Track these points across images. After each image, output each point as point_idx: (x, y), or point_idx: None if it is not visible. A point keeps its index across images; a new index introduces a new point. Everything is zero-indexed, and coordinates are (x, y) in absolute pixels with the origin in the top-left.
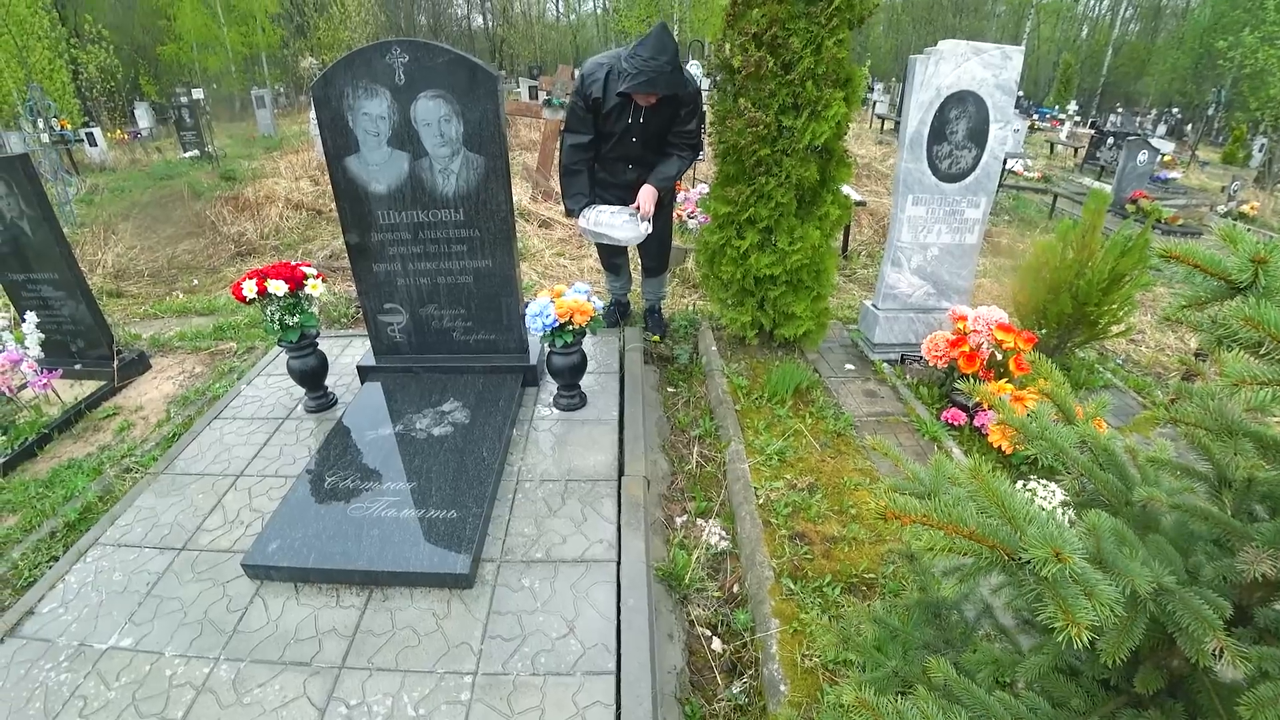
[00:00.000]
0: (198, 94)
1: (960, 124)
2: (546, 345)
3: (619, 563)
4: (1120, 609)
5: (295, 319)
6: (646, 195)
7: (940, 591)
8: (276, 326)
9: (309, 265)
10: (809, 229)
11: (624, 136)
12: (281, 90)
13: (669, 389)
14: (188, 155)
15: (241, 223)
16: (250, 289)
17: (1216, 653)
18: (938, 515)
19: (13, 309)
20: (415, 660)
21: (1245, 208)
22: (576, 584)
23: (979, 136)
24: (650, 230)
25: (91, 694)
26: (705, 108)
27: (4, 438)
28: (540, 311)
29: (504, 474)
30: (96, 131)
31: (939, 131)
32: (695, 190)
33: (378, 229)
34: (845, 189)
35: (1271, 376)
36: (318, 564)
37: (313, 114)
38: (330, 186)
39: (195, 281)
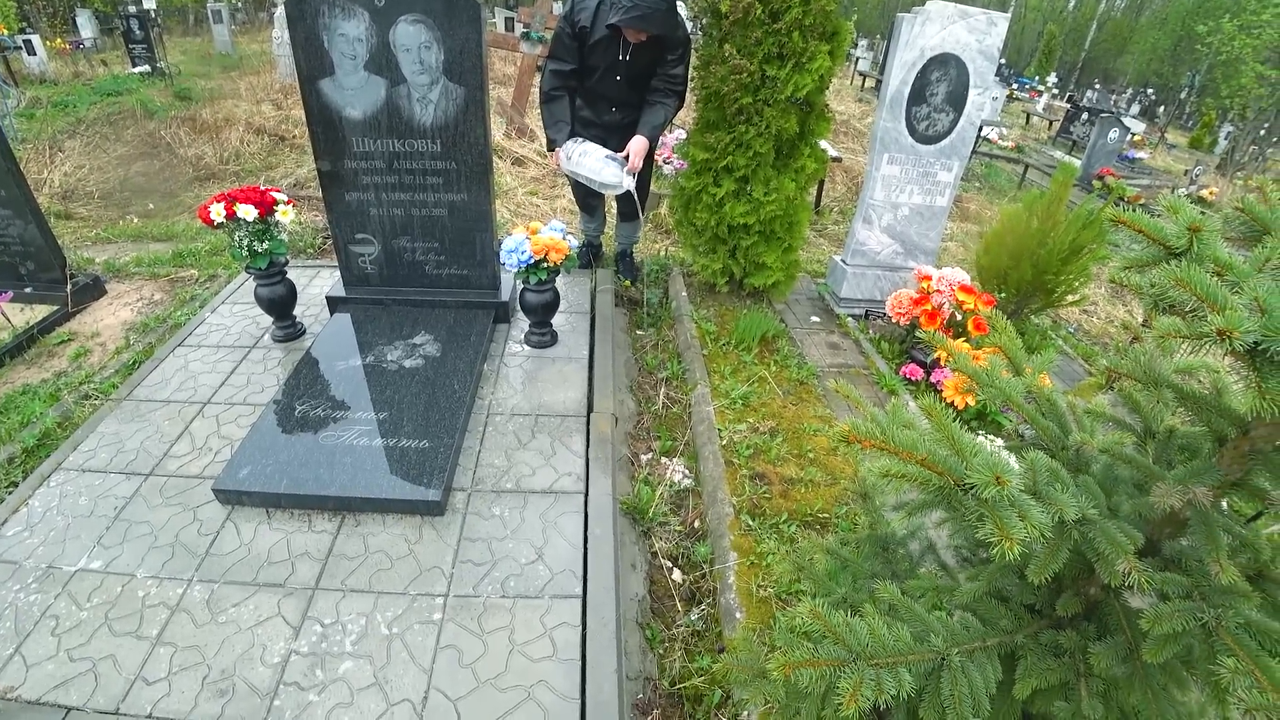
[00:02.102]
0: (149, 3)
1: (941, 86)
2: (520, 282)
3: (586, 494)
4: (1049, 532)
5: (265, 245)
6: (638, 148)
7: (890, 526)
8: (245, 253)
9: (279, 191)
10: (785, 180)
11: (608, 73)
12: (240, 5)
13: (638, 331)
14: (137, 70)
15: (200, 145)
16: (218, 213)
17: (1126, 574)
18: (894, 442)
19: None
20: (388, 582)
21: (1205, 192)
22: (545, 513)
23: (958, 100)
24: (633, 184)
25: (63, 613)
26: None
27: None
28: (516, 248)
29: (475, 407)
30: (35, 39)
31: (919, 93)
32: (673, 135)
33: (351, 156)
34: (822, 144)
35: (1193, 332)
36: (290, 489)
37: (276, 33)
38: (294, 112)
39: (151, 205)
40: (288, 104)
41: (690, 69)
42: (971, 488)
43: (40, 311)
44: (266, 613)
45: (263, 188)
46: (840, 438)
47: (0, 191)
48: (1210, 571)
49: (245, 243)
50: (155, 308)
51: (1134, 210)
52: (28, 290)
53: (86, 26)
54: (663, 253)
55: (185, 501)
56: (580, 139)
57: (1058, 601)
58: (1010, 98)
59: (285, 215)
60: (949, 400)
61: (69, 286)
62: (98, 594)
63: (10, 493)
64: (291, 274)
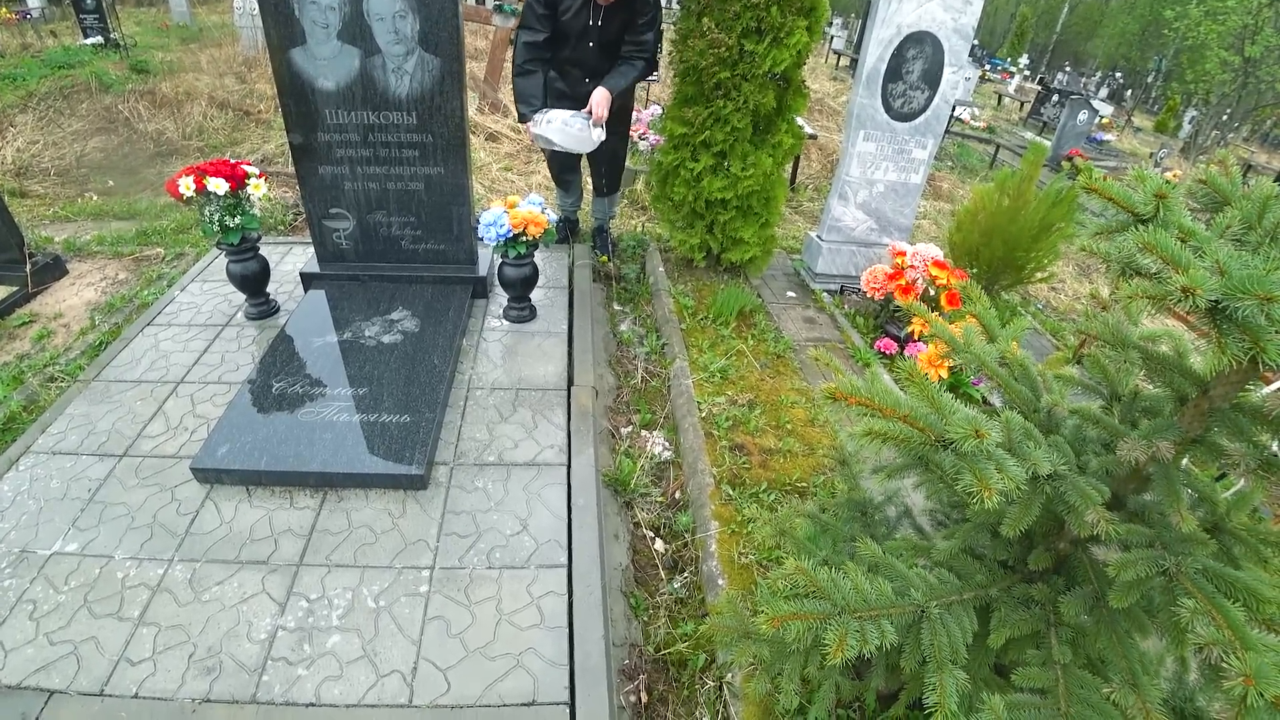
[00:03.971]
0: None
1: (916, 64)
2: (498, 256)
3: (569, 466)
4: (1024, 485)
5: (236, 220)
6: (600, 98)
7: (865, 492)
8: (216, 228)
9: (249, 164)
10: (762, 156)
11: (581, 40)
12: None
13: (615, 306)
14: (89, 42)
15: (160, 120)
16: (187, 186)
17: (1095, 524)
18: (878, 400)
19: None
20: (373, 557)
21: (1169, 175)
22: (529, 485)
23: (933, 79)
24: (604, 137)
25: (40, 597)
26: (667, 25)
27: None
28: (495, 221)
29: (455, 382)
30: None
31: (895, 70)
32: (648, 111)
33: (324, 129)
34: (799, 120)
35: (1159, 291)
36: (270, 466)
37: (238, 3)
38: (258, 86)
39: (111, 183)
40: (251, 77)
41: (661, 35)
42: (951, 443)
43: None
44: (251, 590)
45: (233, 160)
46: (827, 395)
47: None
48: (1172, 522)
49: (216, 217)
50: (120, 287)
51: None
52: None
53: None
54: (639, 228)
55: (162, 482)
56: (547, 109)
57: (1029, 557)
58: (983, 79)
59: (257, 190)
60: (924, 371)
61: (28, 266)
62: (75, 576)
63: None
64: (263, 251)
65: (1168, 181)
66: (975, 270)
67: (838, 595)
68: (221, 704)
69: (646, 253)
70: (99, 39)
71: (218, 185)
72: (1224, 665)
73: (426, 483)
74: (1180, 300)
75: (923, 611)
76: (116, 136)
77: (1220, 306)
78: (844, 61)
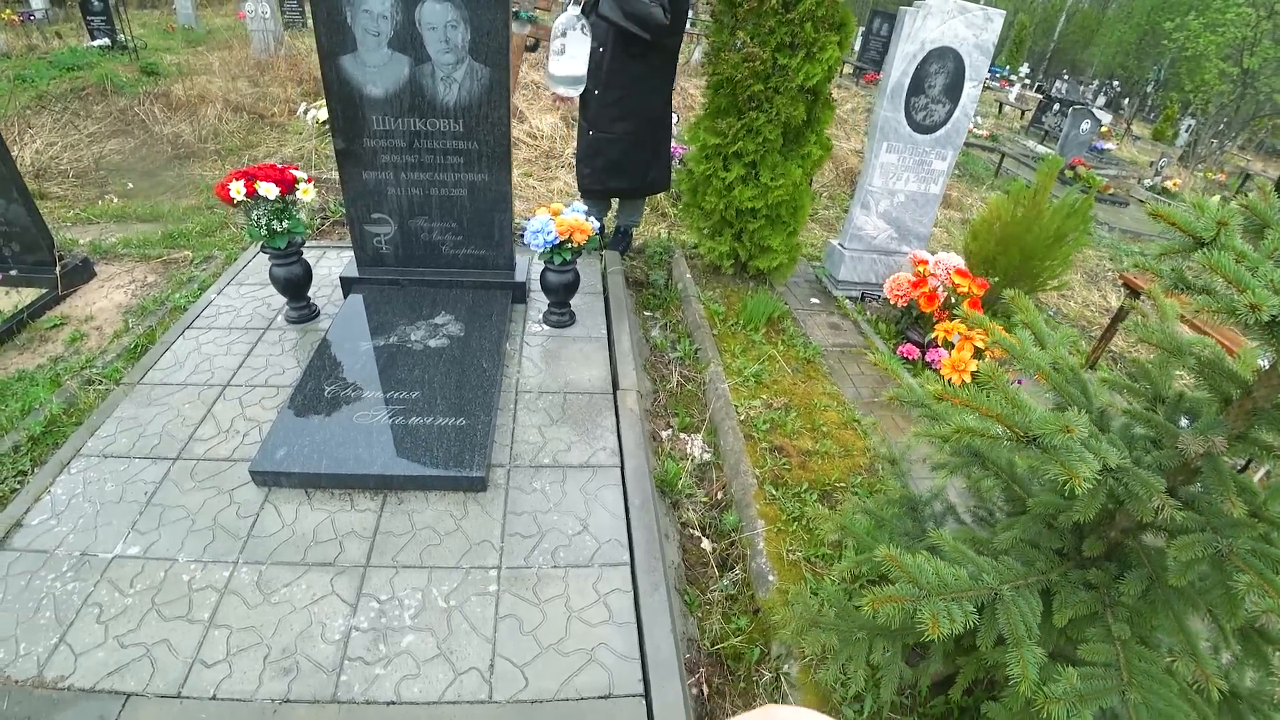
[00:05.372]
0: None
1: (939, 79)
2: (542, 262)
3: (622, 467)
4: (1097, 476)
5: (284, 225)
6: None
7: (936, 480)
8: (264, 232)
9: (297, 169)
10: (791, 166)
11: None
12: None
13: (645, 313)
14: (96, 44)
15: (176, 123)
16: (238, 190)
17: (1159, 509)
18: (976, 399)
19: None
20: (439, 557)
21: (1169, 183)
22: (585, 487)
23: (954, 92)
24: (578, 17)
25: (106, 600)
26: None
27: None
28: (541, 228)
29: (503, 385)
30: None
31: (918, 84)
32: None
33: (370, 135)
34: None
35: (1226, 306)
36: (330, 469)
37: (249, 6)
38: (271, 89)
39: (130, 185)
40: (264, 81)
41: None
42: (1035, 439)
43: (28, 295)
44: (320, 591)
45: (258, 166)
46: (934, 396)
47: None
48: (1223, 509)
49: (264, 221)
50: (150, 290)
51: (1104, 204)
52: (12, 273)
53: None
54: (665, 235)
55: (219, 484)
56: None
57: (1083, 545)
58: (984, 86)
59: (306, 194)
60: (946, 376)
61: (58, 269)
62: (140, 579)
63: (19, 481)
64: None
65: (1227, 209)
66: (992, 278)
67: (923, 579)
68: (303, 704)
69: (672, 259)
70: (106, 40)
71: (268, 189)
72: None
73: (486, 485)
74: (1244, 315)
75: (996, 593)
76: (133, 139)
77: (1277, 321)
78: (847, 69)
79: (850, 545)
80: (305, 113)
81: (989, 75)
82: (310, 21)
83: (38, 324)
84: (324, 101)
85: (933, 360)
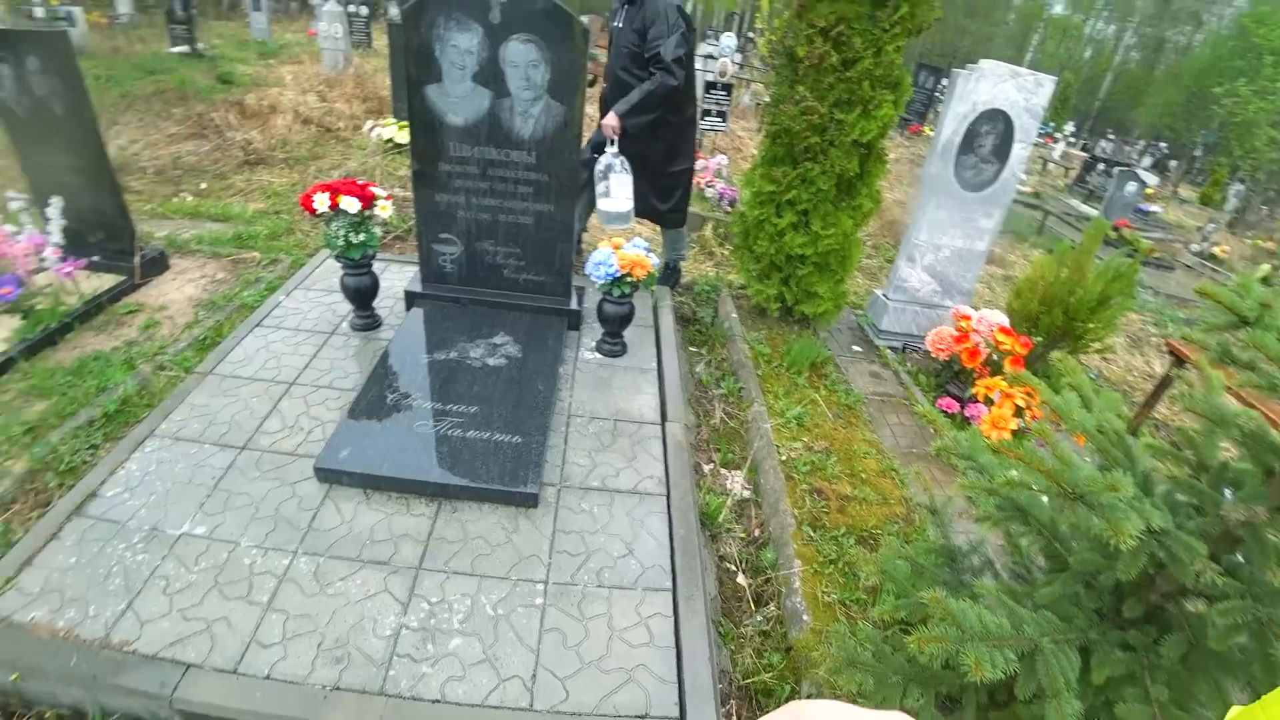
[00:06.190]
0: None
1: (989, 139)
2: (601, 293)
3: (668, 497)
4: (1141, 535)
5: (361, 237)
6: (607, 121)
7: (979, 531)
8: (341, 243)
9: (376, 186)
10: (843, 217)
11: (612, 45)
12: None
13: (691, 348)
14: (176, 50)
15: (248, 131)
16: (322, 203)
17: (1200, 573)
18: (1028, 455)
19: (32, 192)
20: (489, 567)
21: (1216, 250)
22: (632, 512)
23: (1003, 152)
24: (617, 156)
25: (172, 575)
26: (731, 78)
27: (25, 321)
28: (604, 260)
29: (556, 408)
30: (77, 11)
31: (969, 143)
32: (715, 160)
33: (447, 160)
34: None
35: (1263, 382)
36: (391, 473)
37: (323, 25)
38: (337, 105)
39: (204, 185)
40: (331, 96)
41: (688, 60)
42: (1081, 495)
43: (107, 281)
44: (374, 588)
45: (339, 180)
46: (989, 448)
47: (81, 160)
48: (1265, 578)
49: (343, 233)
50: (220, 286)
51: (1150, 268)
52: (95, 259)
53: (124, 2)
54: (712, 274)
55: (282, 477)
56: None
57: (1123, 606)
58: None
59: (384, 211)
60: (986, 433)
61: (137, 259)
62: (204, 558)
63: (90, 453)
64: None
65: (1274, 291)
66: (1035, 337)
67: (966, 624)
68: (352, 693)
69: (719, 298)
70: (185, 48)
71: (350, 204)
72: None
73: (538, 502)
74: None
75: (1036, 645)
76: (208, 142)
77: None
78: None
79: (889, 589)
80: (371, 130)
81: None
82: (374, 43)
83: (115, 309)
84: (390, 120)
85: (972, 416)
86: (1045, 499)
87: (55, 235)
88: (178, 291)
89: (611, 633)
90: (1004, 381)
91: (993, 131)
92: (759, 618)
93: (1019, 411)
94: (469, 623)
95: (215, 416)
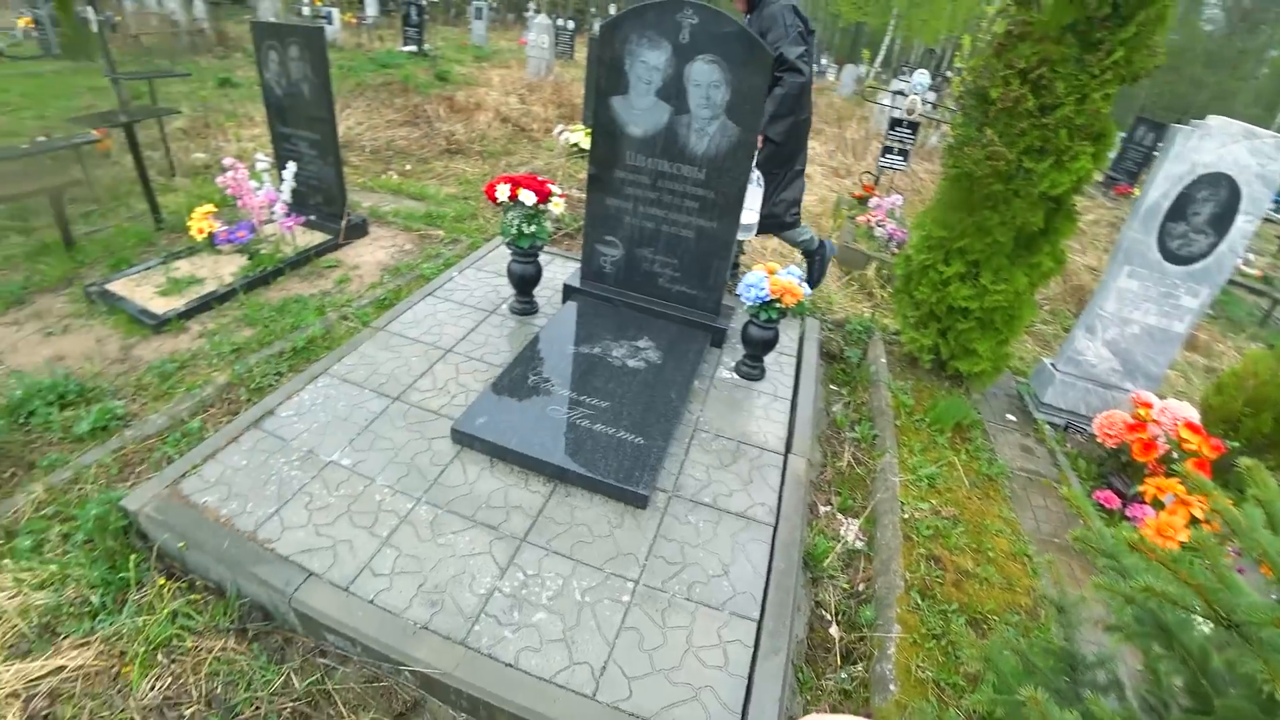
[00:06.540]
0: None
1: (1206, 206)
2: (748, 315)
3: (776, 528)
4: None
5: (532, 228)
6: None
7: (1109, 644)
8: (514, 231)
9: (553, 183)
10: (1017, 274)
11: None
12: (495, 5)
13: (831, 386)
14: (406, 49)
15: (454, 123)
16: (503, 193)
17: None
18: (1173, 561)
19: (274, 156)
20: (587, 555)
21: None
22: (736, 535)
23: (1221, 224)
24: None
25: (316, 494)
26: (919, 116)
27: (250, 262)
28: (756, 283)
29: (683, 419)
30: (335, 11)
31: (1180, 209)
32: (890, 199)
33: (622, 167)
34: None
35: None
36: (518, 447)
37: (532, 35)
38: (534, 108)
39: (408, 167)
40: (530, 99)
41: (807, 61)
42: (1237, 625)
43: (317, 238)
44: (479, 548)
45: (522, 175)
46: (1130, 543)
47: (316, 135)
48: None
49: (517, 223)
50: (405, 256)
51: None
52: (311, 218)
53: (371, 6)
54: (867, 315)
55: (422, 431)
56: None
57: None
58: (1264, 219)
59: (557, 207)
60: (1151, 540)
61: (344, 222)
62: (344, 486)
63: (276, 378)
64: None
65: None
66: (1234, 442)
67: None
68: (438, 636)
69: (870, 340)
70: (414, 48)
71: (528, 196)
72: None
73: (647, 504)
74: None
75: None
76: (418, 130)
77: None
78: (1096, 176)
79: (990, 680)
80: (560, 134)
81: (1271, 206)
82: (575, 54)
83: (318, 262)
84: (579, 126)
85: (1134, 516)
86: (1201, 623)
87: (286, 194)
88: (370, 255)
89: (688, 647)
90: (1181, 485)
91: (1212, 199)
92: (843, 674)
93: (1194, 523)
94: (556, 601)
95: (379, 367)
